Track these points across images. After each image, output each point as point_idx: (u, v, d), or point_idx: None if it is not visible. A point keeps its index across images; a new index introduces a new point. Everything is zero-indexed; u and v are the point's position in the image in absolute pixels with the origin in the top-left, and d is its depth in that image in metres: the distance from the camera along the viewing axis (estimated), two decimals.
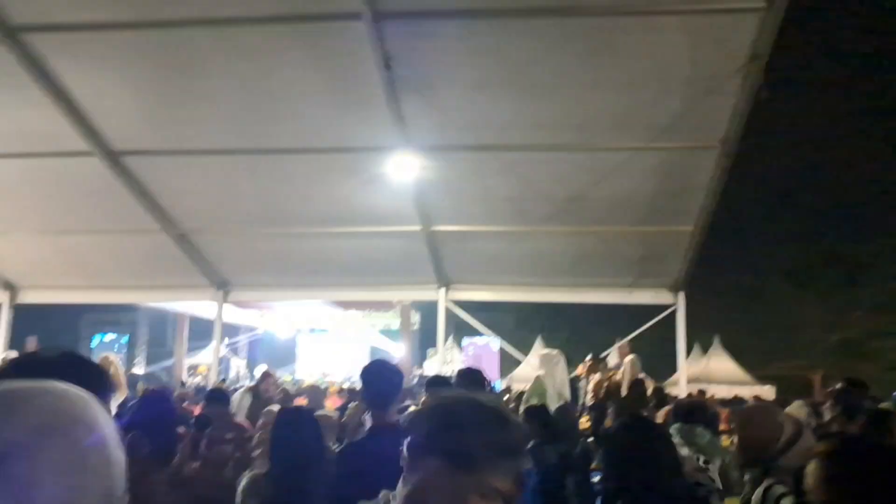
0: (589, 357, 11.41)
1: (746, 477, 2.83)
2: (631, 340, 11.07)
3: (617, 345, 11.73)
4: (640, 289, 9.48)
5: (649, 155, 7.10)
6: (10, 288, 9.99)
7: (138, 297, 10.04)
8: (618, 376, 9.41)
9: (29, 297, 10.11)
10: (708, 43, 5.76)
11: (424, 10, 5.70)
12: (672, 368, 11.41)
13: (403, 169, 7.16)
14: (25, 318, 10.30)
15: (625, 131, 6.80)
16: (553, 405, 7.89)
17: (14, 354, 9.11)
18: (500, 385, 14.71)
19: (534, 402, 8.04)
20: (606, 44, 5.79)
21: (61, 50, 6.11)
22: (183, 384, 12.87)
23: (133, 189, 7.79)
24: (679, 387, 10.38)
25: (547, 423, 5.58)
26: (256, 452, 4.12)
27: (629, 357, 9.53)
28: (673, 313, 9.40)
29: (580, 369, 10.34)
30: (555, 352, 9.23)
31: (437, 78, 6.16)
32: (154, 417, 4.69)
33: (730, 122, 6.36)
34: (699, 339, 18.60)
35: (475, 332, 18.75)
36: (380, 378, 3.24)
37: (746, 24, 5.43)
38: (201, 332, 17.81)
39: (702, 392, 13.45)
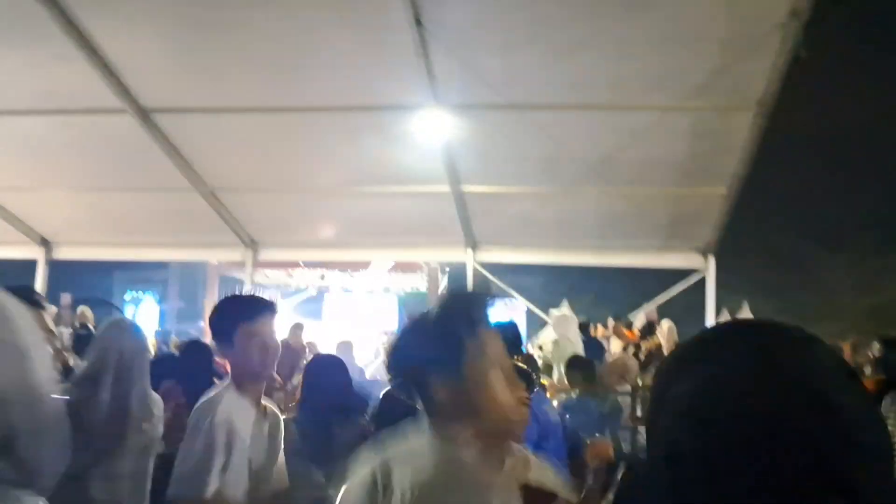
0: (610, 319, 11.44)
1: None
2: (658, 304, 11.04)
3: (644, 308, 11.72)
4: (670, 252, 9.42)
5: (683, 115, 6.99)
6: (45, 244, 10.16)
7: (169, 254, 10.20)
8: (657, 341, 9.46)
9: (63, 254, 10.27)
10: (746, 0, 5.63)
11: None
12: None
13: (433, 128, 7.12)
14: (60, 274, 10.49)
15: (658, 90, 6.68)
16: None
17: (52, 309, 9.33)
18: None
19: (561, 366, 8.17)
20: (638, 2, 5.67)
21: (93, 5, 6.10)
22: None
23: (164, 147, 7.83)
24: None
25: (591, 377, 5.63)
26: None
27: (668, 324, 9.56)
28: (702, 277, 9.34)
29: (601, 331, 10.38)
30: (567, 313, 9.22)
31: (468, 35, 6.08)
32: (192, 367, 4.81)
33: (767, 83, 6.23)
34: (727, 303, 18.42)
35: (500, 296, 18.67)
36: None
37: None
38: (231, 291, 18.02)
39: None
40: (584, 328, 10.06)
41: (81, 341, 8.17)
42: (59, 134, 7.91)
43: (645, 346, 9.90)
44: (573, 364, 6.37)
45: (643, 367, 9.56)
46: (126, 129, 7.48)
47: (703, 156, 7.50)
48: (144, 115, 7.36)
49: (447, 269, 14.30)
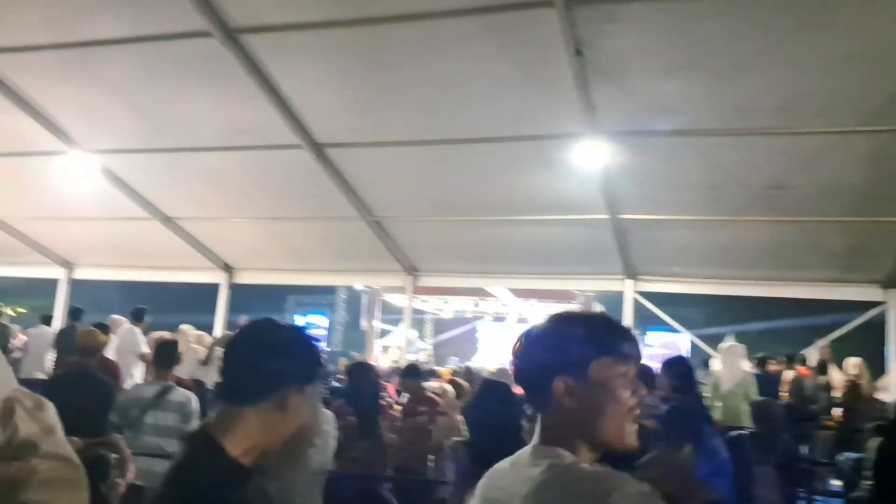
0: (782, 357, 10.90)
1: None
2: (832, 340, 10.40)
3: (817, 344, 11.05)
4: (846, 284, 8.87)
5: (859, 139, 6.58)
6: (228, 269, 11.05)
7: (337, 279, 10.80)
8: (861, 381, 8.99)
9: (243, 278, 11.16)
10: None
11: None
12: (877, 373, 10.56)
13: (591, 156, 7.10)
14: (239, 297, 11.34)
15: (832, 114, 6.34)
16: (730, 399, 7.73)
17: (230, 332, 10.10)
18: None
19: (717, 403, 7.90)
20: (816, 19, 5.42)
21: (274, 49, 6.61)
22: (380, 361, 13.60)
23: (334, 179, 8.33)
24: (890, 393, 9.57)
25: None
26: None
27: (855, 360, 9.03)
28: (882, 312, 8.72)
29: (773, 366, 9.92)
30: (736, 345, 8.85)
31: (628, 62, 6.05)
32: (359, 388, 5.05)
33: None
34: None
35: (660, 327, 18.13)
36: None
37: None
38: (391, 315, 18.65)
39: None
40: (762, 363, 9.65)
41: None
42: (242, 168, 8.61)
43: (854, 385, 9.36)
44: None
45: (842, 404, 9.14)
46: (301, 163, 8.03)
47: (883, 182, 7.01)
48: (318, 149, 7.87)
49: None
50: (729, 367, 8.28)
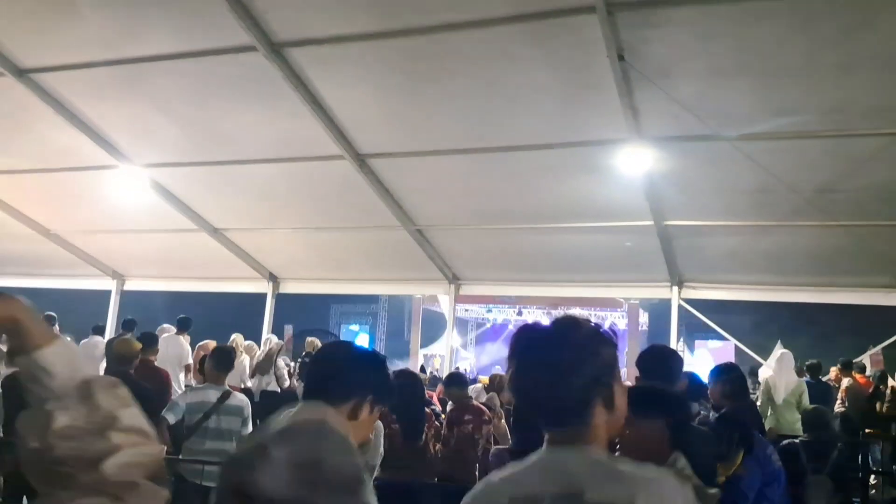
0: (837, 365, 10.71)
1: None
2: (885, 348, 10.16)
3: (869, 352, 10.80)
4: None
5: None
6: (274, 279, 11.19)
7: (380, 288, 10.85)
8: None
9: (288, 288, 11.30)
10: None
11: None
12: None
13: (635, 162, 7.05)
14: (284, 307, 11.49)
15: (882, 115, 6.19)
16: (782, 407, 7.59)
17: (276, 339, 10.24)
18: None
19: (768, 411, 7.76)
20: (864, 21, 5.31)
21: (316, 62, 6.68)
22: (423, 370, 13.65)
23: (377, 189, 8.38)
24: None
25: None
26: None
27: None
28: None
29: (832, 374, 9.72)
30: (786, 352, 8.70)
31: (671, 67, 5.98)
32: (404, 396, 5.07)
33: None
34: None
35: (707, 335, 17.89)
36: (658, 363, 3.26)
37: None
38: (433, 324, 18.72)
39: None
40: (813, 370, 9.44)
41: None
42: (286, 180, 8.73)
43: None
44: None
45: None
46: (344, 174, 8.10)
47: None
48: (360, 160, 7.93)
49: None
50: (780, 375, 8.12)
